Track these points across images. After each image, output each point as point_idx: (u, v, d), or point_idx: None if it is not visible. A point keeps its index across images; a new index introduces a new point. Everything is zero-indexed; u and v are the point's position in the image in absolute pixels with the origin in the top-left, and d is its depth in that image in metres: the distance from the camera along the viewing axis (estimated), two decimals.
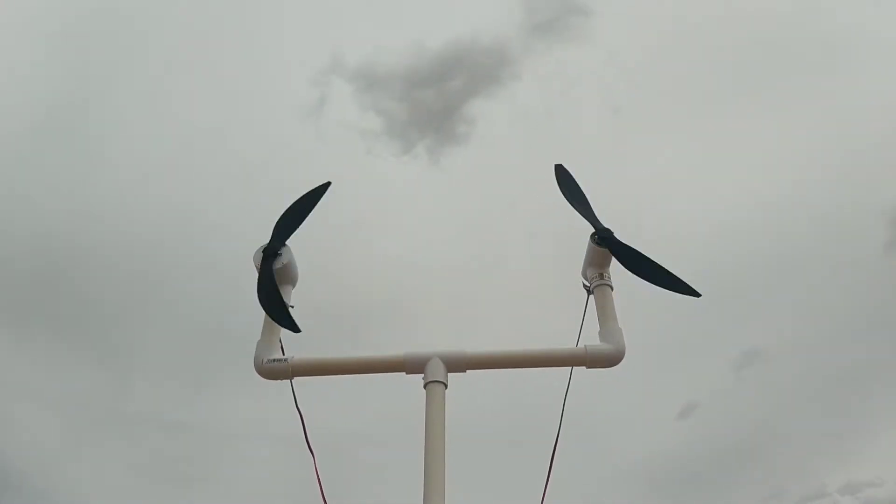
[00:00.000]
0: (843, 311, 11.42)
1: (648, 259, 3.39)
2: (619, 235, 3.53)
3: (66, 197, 11.20)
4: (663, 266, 3.37)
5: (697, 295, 3.32)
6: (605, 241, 3.44)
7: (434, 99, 11.64)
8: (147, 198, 11.09)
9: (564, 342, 3.55)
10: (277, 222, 3.56)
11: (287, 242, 3.57)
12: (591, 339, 3.44)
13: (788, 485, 11.22)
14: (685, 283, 3.34)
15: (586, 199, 3.69)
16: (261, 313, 3.60)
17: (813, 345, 11.37)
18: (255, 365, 3.41)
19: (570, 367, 3.40)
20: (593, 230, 3.50)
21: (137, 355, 11.12)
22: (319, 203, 3.68)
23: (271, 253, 3.45)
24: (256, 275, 3.46)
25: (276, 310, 3.29)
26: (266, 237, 3.60)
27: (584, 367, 3.33)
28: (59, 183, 11.22)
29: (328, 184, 3.62)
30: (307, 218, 3.61)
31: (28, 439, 10.66)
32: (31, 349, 10.94)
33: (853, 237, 11.42)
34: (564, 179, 3.79)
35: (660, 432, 11.01)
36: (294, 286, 3.66)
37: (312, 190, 3.66)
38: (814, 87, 11.57)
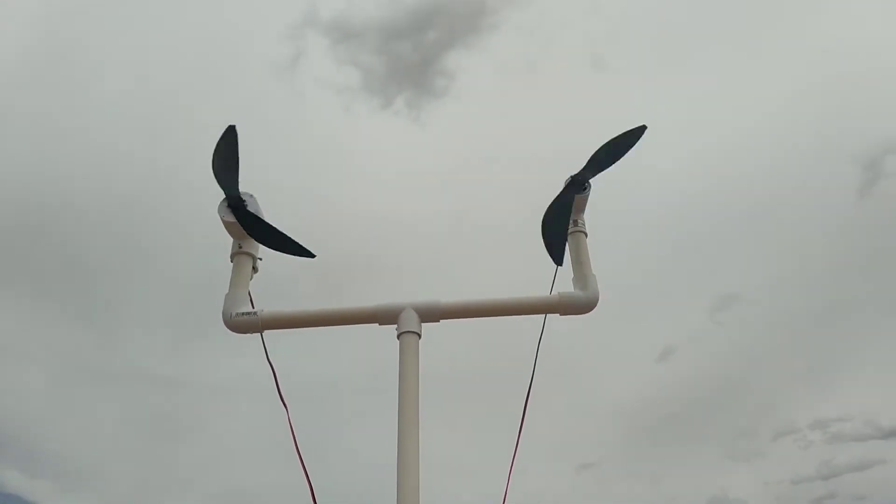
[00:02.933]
0: (817, 254, 11.60)
1: (561, 220, 3.40)
2: (597, 185, 3.47)
3: (48, 152, 10.94)
4: (563, 233, 3.41)
5: (559, 264, 3.37)
6: (571, 182, 3.39)
7: (412, 51, 11.30)
8: (128, 153, 10.85)
9: (540, 290, 3.54)
10: (216, 177, 3.33)
11: (256, 195, 3.48)
12: (566, 285, 3.42)
13: (761, 422, 11.62)
14: (557, 250, 3.37)
15: (614, 158, 3.45)
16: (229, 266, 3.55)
17: (787, 288, 11.59)
18: (223, 318, 3.34)
19: (544, 315, 3.37)
20: (569, 176, 3.41)
21: (123, 311, 11.07)
22: (303, 163, 3.55)
23: (237, 202, 3.35)
24: (228, 229, 3.40)
25: (282, 243, 3.35)
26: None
27: (557, 315, 3.31)
28: (41, 138, 10.93)
29: (232, 126, 3.35)
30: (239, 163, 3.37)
31: (15, 395, 10.66)
32: (16, 306, 10.84)
33: (827, 182, 11.51)
34: (630, 137, 3.48)
35: (639, 375, 11.26)
36: None
37: (222, 138, 3.34)
38: (790, 34, 11.43)
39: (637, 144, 3.46)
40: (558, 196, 3.40)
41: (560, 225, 3.36)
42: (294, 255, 3.37)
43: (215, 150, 3.34)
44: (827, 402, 11.66)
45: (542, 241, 3.49)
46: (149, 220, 10.61)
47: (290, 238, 3.36)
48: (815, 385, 11.79)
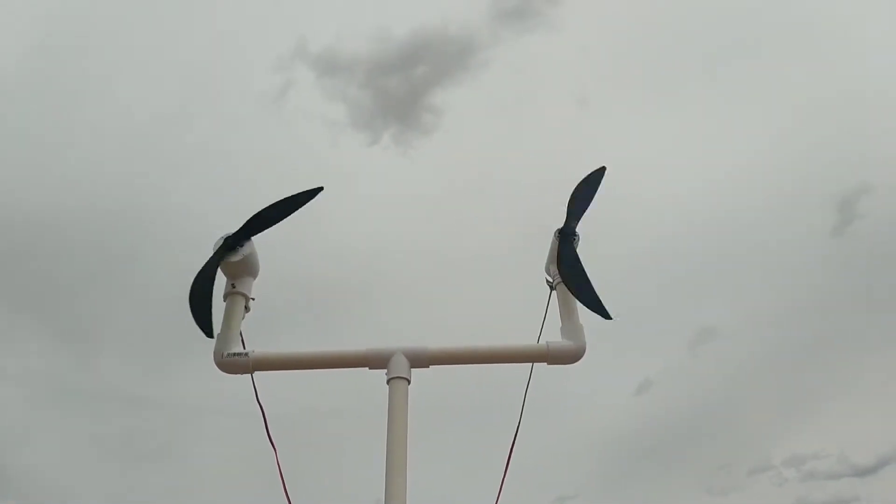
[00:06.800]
0: (792, 291, 11.87)
1: (583, 273, 3.40)
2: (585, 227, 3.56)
3: (29, 172, 10.88)
4: (591, 284, 3.37)
5: (609, 317, 3.33)
6: (560, 236, 3.46)
7: (399, 86, 11.48)
8: (111, 176, 10.84)
9: (527, 332, 3.61)
10: (255, 215, 3.41)
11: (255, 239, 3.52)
12: (553, 334, 3.50)
13: (737, 458, 11.74)
14: (602, 304, 3.33)
15: (587, 202, 3.56)
16: (222, 304, 3.58)
17: (763, 324, 11.82)
18: (214, 359, 3.36)
19: (531, 364, 3.44)
20: (556, 230, 3.50)
21: (101, 331, 10.95)
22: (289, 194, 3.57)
23: (231, 245, 3.40)
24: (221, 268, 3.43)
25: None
26: (226, 219, 3.51)
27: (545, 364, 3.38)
28: (23, 159, 10.88)
29: (319, 188, 3.44)
30: (286, 218, 3.46)
31: None
32: None
33: (803, 221, 11.84)
34: (594, 179, 3.61)
35: (617, 409, 11.35)
36: (255, 278, 3.61)
37: (301, 193, 3.43)
38: (776, 74, 11.81)
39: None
40: (559, 252, 3.45)
41: (582, 279, 3.38)
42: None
43: (284, 200, 3.41)
44: (802, 439, 11.83)
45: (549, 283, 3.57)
46: (131, 241, 10.56)
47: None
48: (790, 421, 11.98)
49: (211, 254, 3.40)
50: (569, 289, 3.41)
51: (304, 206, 3.45)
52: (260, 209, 3.43)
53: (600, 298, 3.34)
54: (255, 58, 11.57)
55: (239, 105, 11.48)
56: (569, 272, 3.40)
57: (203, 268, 3.34)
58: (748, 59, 11.90)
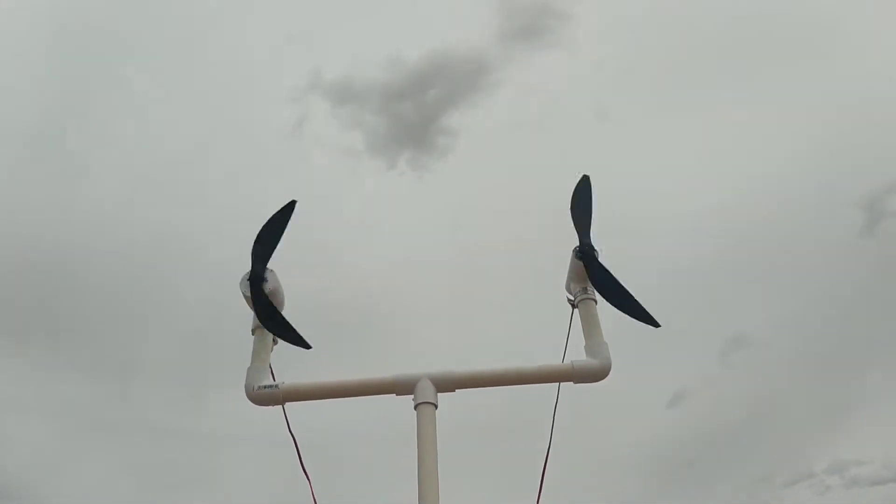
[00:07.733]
0: (826, 294, 11.63)
1: (620, 286, 3.41)
2: (605, 231, 3.57)
3: (60, 208, 11.23)
4: (632, 294, 3.39)
5: (657, 325, 3.36)
6: (584, 257, 3.47)
7: (413, 112, 11.63)
8: (138, 210, 11.15)
9: (551, 351, 3.62)
10: (254, 248, 3.48)
11: (271, 266, 3.57)
12: (578, 352, 3.51)
13: (777, 467, 11.45)
14: (648, 313, 3.36)
15: (589, 213, 3.61)
16: (249, 335, 3.66)
17: (796, 329, 11.57)
18: (246, 391, 3.43)
19: (558, 384, 3.45)
20: (577, 245, 3.52)
21: (133, 363, 11.15)
22: (310, 224, 3.64)
23: (257, 279, 3.46)
24: (248, 303, 3.49)
25: (283, 331, 3.40)
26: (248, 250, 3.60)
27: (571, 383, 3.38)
28: (53, 194, 11.26)
29: (293, 202, 3.53)
30: (281, 239, 3.53)
31: (25, 449, 10.67)
32: (27, 360, 10.93)
33: (831, 222, 11.63)
34: (582, 190, 3.68)
35: (651, 422, 11.16)
36: (281, 310, 3.68)
37: (279, 211, 3.53)
38: (793, 76, 11.70)
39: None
40: (590, 274, 3.45)
41: (621, 292, 3.40)
42: (291, 343, 3.42)
43: (267, 222, 3.49)
44: (843, 445, 11.51)
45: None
46: (161, 277, 10.78)
47: (291, 327, 3.40)
48: (831, 427, 11.66)
49: (240, 292, 3.46)
50: (612, 304, 3.42)
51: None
52: (254, 240, 3.49)
53: (645, 308, 3.35)
54: (271, 90, 11.84)
55: (258, 137, 11.73)
56: (606, 289, 3.41)
57: (260, 309, 3.40)
58: (767, 63, 11.82)
